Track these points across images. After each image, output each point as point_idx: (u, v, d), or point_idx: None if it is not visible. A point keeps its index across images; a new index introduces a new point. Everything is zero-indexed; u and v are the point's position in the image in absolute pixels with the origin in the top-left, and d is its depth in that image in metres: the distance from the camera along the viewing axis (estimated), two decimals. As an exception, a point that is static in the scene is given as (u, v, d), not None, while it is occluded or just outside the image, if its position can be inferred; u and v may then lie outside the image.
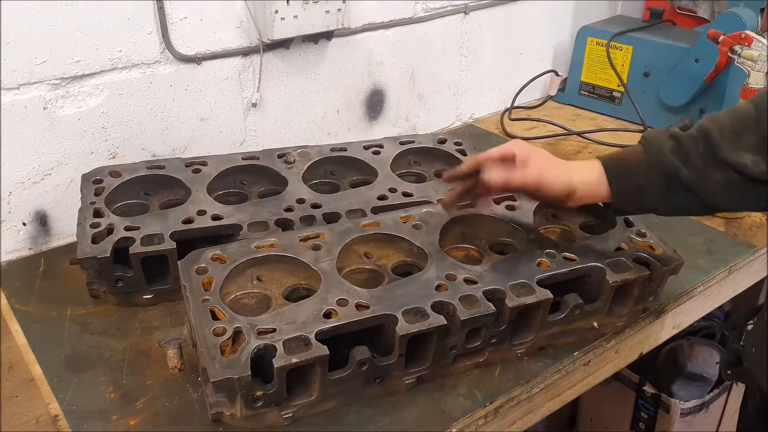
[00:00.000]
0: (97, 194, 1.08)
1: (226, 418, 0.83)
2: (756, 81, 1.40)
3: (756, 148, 0.82)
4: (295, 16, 1.27)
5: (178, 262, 0.91)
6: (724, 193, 0.85)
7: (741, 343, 0.98)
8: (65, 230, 1.22)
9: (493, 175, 0.90)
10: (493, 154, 0.92)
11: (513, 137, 1.68)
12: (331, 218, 1.07)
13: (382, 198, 1.13)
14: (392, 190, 1.15)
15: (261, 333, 0.79)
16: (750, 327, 0.97)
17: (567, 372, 0.97)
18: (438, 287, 0.89)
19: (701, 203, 0.88)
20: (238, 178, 1.19)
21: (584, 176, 0.92)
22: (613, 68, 1.73)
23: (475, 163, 0.94)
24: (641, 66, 1.73)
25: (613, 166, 0.91)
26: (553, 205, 1.00)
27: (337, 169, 1.24)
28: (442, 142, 1.32)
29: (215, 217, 1.04)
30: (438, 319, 0.84)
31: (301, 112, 1.46)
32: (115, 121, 1.22)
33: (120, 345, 0.97)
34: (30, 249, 1.21)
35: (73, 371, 0.92)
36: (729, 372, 1.01)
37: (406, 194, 1.14)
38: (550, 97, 1.93)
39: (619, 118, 1.80)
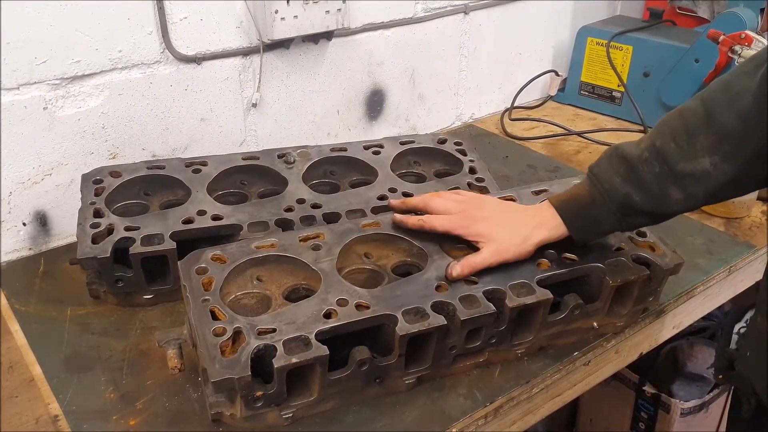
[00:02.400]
0: (97, 194, 1.08)
1: (226, 419, 0.83)
2: (756, 81, 1.40)
3: (712, 149, 0.79)
4: (295, 16, 1.27)
5: (178, 263, 0.91)
6: (685, 207, 0.85)
7: (734, 346, 0.96)
8: (65, 230, 1.22)
9: (458, 270, 0.89)
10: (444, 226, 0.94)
11: (513, 137, 1.68)
12: (331, 218, 1.07)
13: (382, 198, 1.13)
14: (392, 190, 1.15)
15: (261, 333, 0.80)
16: (742, 329, 0.95)
17: (567, 372, 0.97)
18: (438, 287, 0.89)
19: (659, 219, 0.89)
20: (238, 178, 1.19)
21: (541, 230, 0.91)
22: (613, 68, 1.73)
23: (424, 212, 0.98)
24: (641, 66, 1.73)
25: (566, 209, 0.91)
26: None
27: (337, 169, 1.24)
28: (442, 142, 1.32)
29: (215, 218, 1.04)
30: (438, 319, 0.84)
31: (301, 112, 1.46)
32: (115, 122, 1.22)
33: (120, 345, 0.97)
34: (30, 249, 1.21)
35: (73, 371, 0.92)
36: (721, 377, 0.99)
37: (406, 194, 1.14)
38: (550, 97, 1.94)
39: (619, 118, 1.80)
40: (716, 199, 0.87)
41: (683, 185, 0.82)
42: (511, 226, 0.92)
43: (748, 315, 0.96)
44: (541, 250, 0.96)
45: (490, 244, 0.90)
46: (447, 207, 0.96)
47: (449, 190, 1.10)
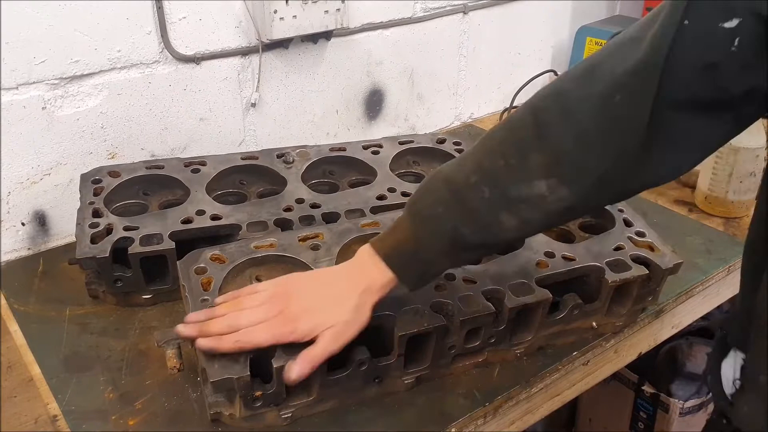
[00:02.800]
0: (96, 194, 1.08)
1: (225, 418, 0.83)
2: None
3: (547, 170, 0.67)
4: (294, 16, 1.27)
5: (177, 262, 0.91)
6: (520, 233, 0.74)
7: (728, 397, 0.80)
8: (64, 230, 1.22)
9: (296, 371, 0.75)
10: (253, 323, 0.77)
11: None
12: (330, 218, 1.07)
13: (381, 198, 1.13)
14: (391, 190, 1.15)
15: (260, 333, 0.79)
16: (737, 379, 0.79)
17: (566, 372, 0.97)
18: (437, 287, 0.89)
19: (497, 248, 0.81)
20: (237, 178, 1.19)
21: (370, 293, 0.78)
22: (612, 68, 1.72)
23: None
24: (640, 66, 1.72)
25: (395, 260, 0.77)
26: None
27: (336, 168, 1.24)
28: (441, 141, 1.32)
29: (214, 217, 1.04)
30: (437, 319, 0.84)
31: (300, 112, 1.46)
32: (114, 121, 1.21)
33: (119, 345, 0.97)
34: (29, 249, 1.20)
35: (72, 371, 0.92)
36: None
37: (405, 194, 1.14)
38: (549, 97, 1.93)
39: (618, 118, 1.79)
40: (555, 224, 0.78)
41: (516, 210, 0.70)
42: (336, 304, 0.78)
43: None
44: (540, 250, 0.96)
45: (325, 332, 0.77)
46: (258, 317, 0.78)
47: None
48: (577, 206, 0.70)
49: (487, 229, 0.72)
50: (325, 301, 0.79)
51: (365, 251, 0.79)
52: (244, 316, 0.78)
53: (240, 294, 0.82)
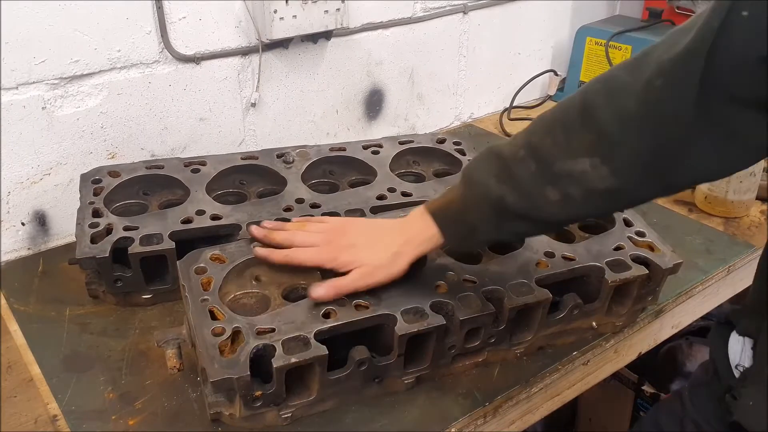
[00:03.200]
0: (96, 194, 1.08)
1: (225, 418, 0.83)
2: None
3: (591, 149, 0.70)
4: (294, 16, 1.27)
5: (177, 262, 0.91)
6: (562, 210, 0.74)
7: (731, 393, 0.83)
8: (64, 230, 1.22)
9: (321, 292, 0.83)
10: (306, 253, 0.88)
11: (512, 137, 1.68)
12: (330, 218, 1.07)
13: (381, 198, 1.13)
14: (391, 190, 1.15)
15: (260, 333, 0.79)
16: (741, 365, 0.82)
17: (566, 372, 0.97)
18: (437, 287, 0.89)
19: (539, 225, 0.80)
20: (237, 178, 1.19)
21: (411, 246, 0.85)
22: (612, 68, 1.72)
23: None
24: (640, 66, 1.72)
25: (441, 217, 0.83)
26: None
27: (336, 168, 1.24)
28: (441, 141, 1.32)
29: (214, 217, 1.04)
30: (437, 319, 0.84)
31: (300, 112, 1.46)
32: (114, 121, 1.21)
33: (119, 345, 0.97)
34: (29, 249, 1.20)
35: (72, 371, 0.92)
36: None
37: (405, 194, 1.14)
38: (549, 97, 1.94)
39: (617, 118, 1.79)
40: (598, 208, 0.77)
41: (560, 185, 0.72)
42: (378, 248, 0.87)
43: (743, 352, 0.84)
44: (540, 250, 0.96)
45: (359, 268, 0.85)
46: (312, 240, 0.90)
47: (323, 215, 1.05)
48: (620, 190, 0.70)
49: (532, 200, 0.74)
50: (369, 243, 0.88)
51: (418, 210, 0.87)
52: (300, 236, 0.90)
53: (309, 220, 0.95)
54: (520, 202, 0.75)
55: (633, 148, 0.67)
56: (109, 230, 1.00)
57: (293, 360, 0.77)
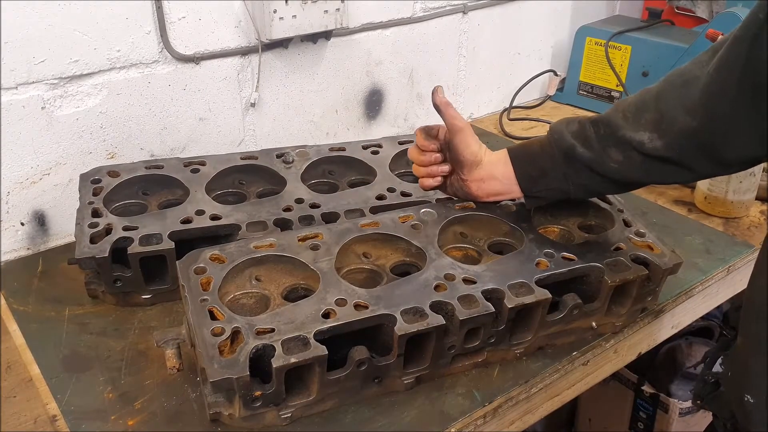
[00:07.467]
0: (95, 194, 1.08)
1: (224, 418, 0.83)
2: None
3: (653, 126, 0.85)
4: (294, 16, 1.27)
5: (177, 262, 0.91)
6: (623, 169, 0.89)
7: (719, 368, 0.96)
8: (63, 230, 1.22)
9: (440, 96, 1.00)
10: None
11: (512, 137, 1.68)
12: (329, 218, 1.07)
13: (380, 198, 1.13)
14: (391, 190, 1.15)
15: (259, 333, 0.79)
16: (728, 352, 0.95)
17: (566, 372, 0.97)
18: (437, 287, 0.89)
19: (604, 180, 0.92)
20: (237, 178, 1.18)
21: (492, 157, 1.01)
22: (612, 68, 1.73)
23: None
24: (640, 66, 1.73)
25: (517, 153, 0.99)
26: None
27: (336, 168, 1.24)
28: (441, 141, 1.31)
29: (214, 217, 1.04)
30: (437, 319, 0.84)
31: (300, 112, 1.46)
32: (114, 121, 1.21)
33: (118, 345, 0.97)
34: (28, 249, 1.20)
35: (72, 371, 0.92)
36: (699, 401, 1.00)
37: (404, 194, 1.14)
38: (549, 97, 1.94)
39: (617, 118, 1.80)
40: (654, 174, 0.89)
41: (622, 148, 0.88)
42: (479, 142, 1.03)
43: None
44: (540, 250, 0.96)
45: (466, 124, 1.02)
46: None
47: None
48: (672, 160, 0.85)
49: (597, 154, 0.90)
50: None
51: (503, 153, 1.01)
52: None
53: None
54: (587, 154, 0.91)
55: (687, 126, 0.81)
56: (108, 230, 1.00)
57: (293, 360, 0.77)
